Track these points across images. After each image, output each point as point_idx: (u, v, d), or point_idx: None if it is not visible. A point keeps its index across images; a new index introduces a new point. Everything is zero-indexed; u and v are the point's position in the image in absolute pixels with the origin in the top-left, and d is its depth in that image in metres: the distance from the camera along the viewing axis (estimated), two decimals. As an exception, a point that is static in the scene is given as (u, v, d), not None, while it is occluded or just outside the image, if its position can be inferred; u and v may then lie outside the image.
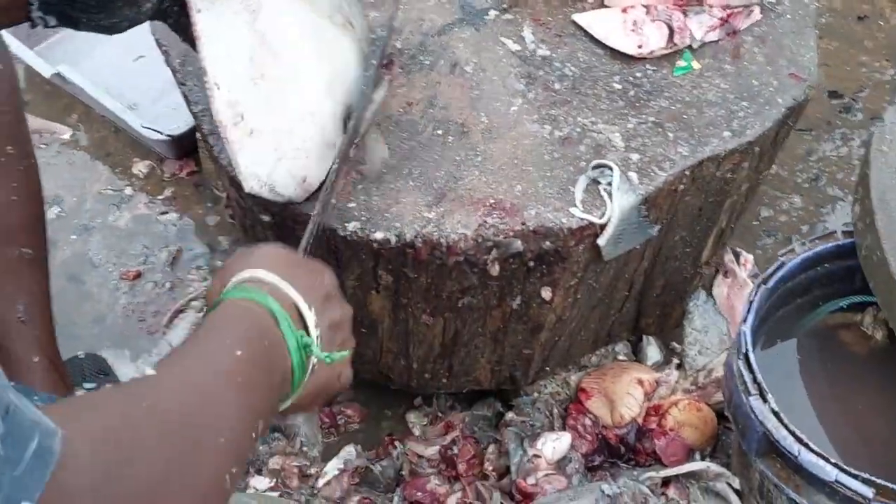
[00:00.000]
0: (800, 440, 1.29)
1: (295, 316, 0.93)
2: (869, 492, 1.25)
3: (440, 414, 1.74)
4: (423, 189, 1.38)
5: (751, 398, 1.33)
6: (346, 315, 1.04)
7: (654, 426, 1.64)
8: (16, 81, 1.42)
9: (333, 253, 1.39)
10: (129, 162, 2.15)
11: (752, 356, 1.35)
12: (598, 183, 1.38)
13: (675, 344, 1.80)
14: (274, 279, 0.93)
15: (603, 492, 1.54)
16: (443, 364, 1.60)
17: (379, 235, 1.34)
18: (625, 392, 1.64)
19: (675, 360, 1.74)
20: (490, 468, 1.65)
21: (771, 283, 1.45)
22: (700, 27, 1.54)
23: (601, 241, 1.37)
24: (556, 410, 1.69)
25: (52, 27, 1.07)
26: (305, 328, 0.94)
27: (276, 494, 1.61)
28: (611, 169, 1.38)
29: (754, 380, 1.34)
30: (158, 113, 2.15)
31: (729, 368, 1.41)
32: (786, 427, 1.30)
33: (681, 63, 1.53)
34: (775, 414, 1.32)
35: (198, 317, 1.87)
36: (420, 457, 1.68)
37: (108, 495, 0.65)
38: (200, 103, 1.49)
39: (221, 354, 0.85)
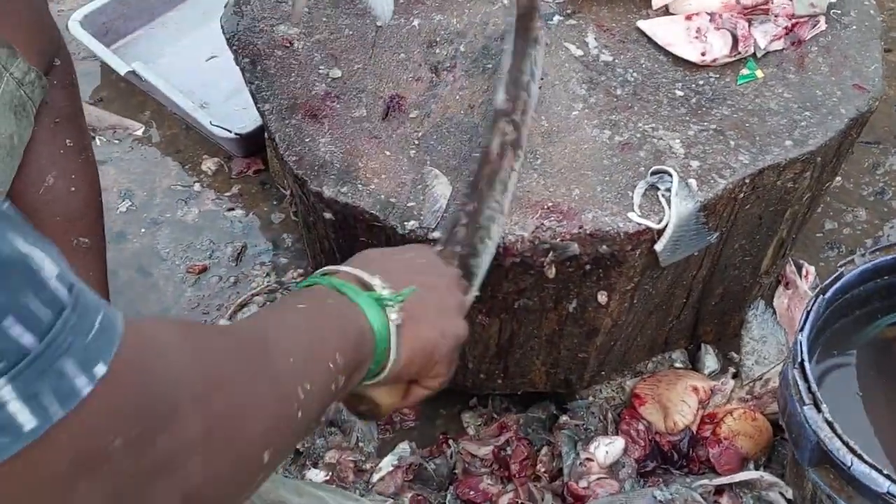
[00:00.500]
0: (853, 451, 1.28)
1: (358, 286, 0.96)
2: (921, 505, 1.24)
3: (495, 415, 1.75)
4: (483, 190, 1.39)
5: (805, 408, 1.33)
6: (442, 279, 1.08)
7: (708, 434, 1.64)
8: (75, 77, 1.46)
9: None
10: (198, 159, 2.20)
11: (807, 365, 1.35)
12: (657, 189, 1.39)
13: (733, 353, 1.80)
14: (343, 267, 0.98)
15: (655, 497, 1.54)
16: (498, 365, 1.62)
17: (437, 235, 1.36)
18: (679, 399, 1.65)
19: (732, 369, 1.74)
20: (542, 470, 1.66)
21: (829, 293, 1.44)
22: (764, 36, 1.54)
23: (658, 247, 1.38)
24: (610, 415, 1.69)
25: None
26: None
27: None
28: (670, 175, 1.39)
29: (809, 389, 1.33)
30: (228, 112, 2.19)
31: (784, 377, 1.41)
32: (839, 437, 1.30)
33: (745, 71, 1.53)
34: (829, 424, 1.31)
35: (260, 311, 1.90)
36: (473, 456, 1.69)
37: (183, 382, 0.69)
38: (268, 102, 1.52)
39: (286, 309, 0.96)
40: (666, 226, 1.36)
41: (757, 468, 1.63)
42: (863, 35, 1.59)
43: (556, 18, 1.60)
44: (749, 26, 1.54)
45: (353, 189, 1.40)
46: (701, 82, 1.52)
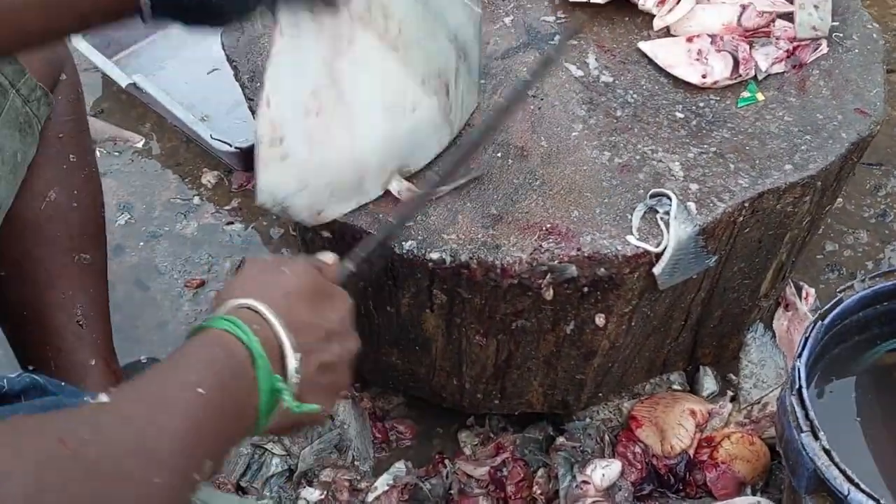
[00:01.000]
0: (850, 479, 1.27)
1: (276, 357, 0.89)
2: (919, 535, 1.23)
3: (492, 434, 1.74)
4: (481, 210, 1.39)
5: (802, 435, 1.32)
6: (345, 353, 0.98)
7: (705, 458, 1.63)
8: (80, 92, 1.46)
9: (389, 270, 1.41)
10: (198, 172, 2.20)
11: (805, 392, 1.34)
12: (656, 212, 1.38)
13: (731, 375, 1.79)
14: (267, 312, 0.89)
15: (651, 521, 1.53)
16: (495, 385, 1.61)
17: (434, 255, 1.35)
18: (676, 422, 1.64)
19: (730, 393, 1.73)
20: (539, 492, 1.65)
21: (828, 319, 1.43)
22: (766, 59, 1.54)
23: (656, 270, 1.37)
24: (607, 437, 1.69)
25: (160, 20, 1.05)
26: (285, 368, 0.90)
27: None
28: (669, 198, 1.38)
29: (806, 416, 1.33)
30: (229, 125, 2.19)
31: (782, 403, 1.40)
32: (836, 466, 1.29)
33: (745, 94, 1.52)
34: (826, 452, 1.30)
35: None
36: (469, 476, 1.68)
37: None
38: (267, 119, 1.51)
39: (182, 391, 0.81)
40: (664, 249, 1.36)
41: (754, 493, 1.62)
42: (865, 58, 1.59)
43: (558, 38, 1.60)
44: (750, 49, 1.54)
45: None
46: (701, 104, 1.52)
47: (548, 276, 1.36)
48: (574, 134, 1.48)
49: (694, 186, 1.41)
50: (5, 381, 0.90)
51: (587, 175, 1.43)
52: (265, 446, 1.67)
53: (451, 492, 1.68)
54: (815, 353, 1.43)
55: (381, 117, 1.28)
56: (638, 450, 1.64)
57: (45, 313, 1.41)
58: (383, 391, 1.79)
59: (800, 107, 1.52)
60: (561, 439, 1.68)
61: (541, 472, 1.67)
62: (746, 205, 1.41)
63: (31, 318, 1.41)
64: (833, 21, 1.60)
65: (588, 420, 1.72)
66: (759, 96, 1.52)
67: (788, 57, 1.55)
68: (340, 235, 1.41)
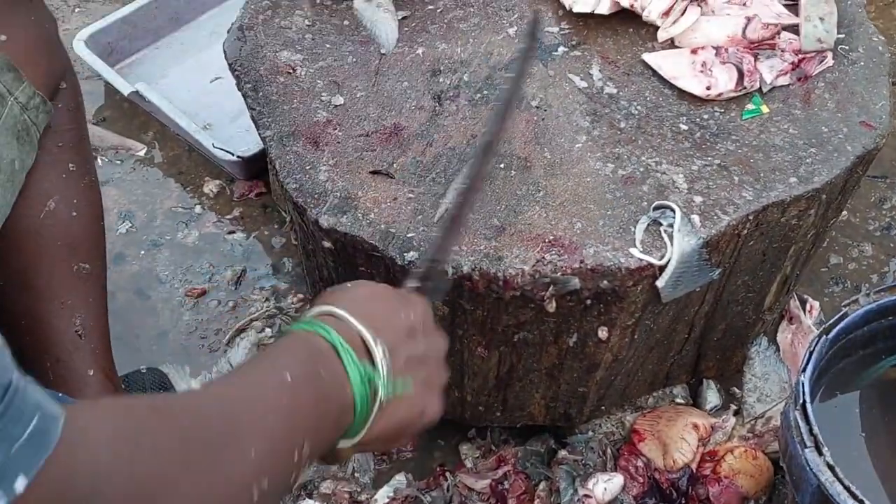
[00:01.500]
0: (854, 496, 1.26)
1: (361, 349, 0.92)
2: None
3: (493, 447, 1.73)
4: (483, 222, 1.38)
5: (806, 450, 1.31)
6: (434, 349, 1.02)
7: (708, 472, 1.62)
8: (80, 100, 1.45)
9: (391, 282, 1.40)
10: (200, 181, 2.19)
11: (809, 407, 1.33)
12: (660, 224, 1.37)
13: (735, 388, 1.78)
14: (344, 314, 0.93)
15: (653, 536, 1.52)
16: (497, 397, 1.60)
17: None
18: (678, 436, 1.62)
19: (733, 407, 1.72)
20: (540, 505, 1.64)
21: (832, 333, 1.42)
22: (770, 71, 1.53)
23: (660, 283, 1.36)
24: (609, 450, 1.67)
25: None
26: (373, 360, 0.92)
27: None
28: (672, 210, 1.37)
29: (810, 432, 1.31)
30: (231, 134, 2.18)
31: (786, 419, 1.39)
32: (840, 482, 1.28)
33: (750, 106, 1.51)
34: (830, 468, 1.29)
35: (259, 336, 1.89)
36: (470, 489, 1.67)
37: (111, 484, 0.66)
38: (269, 128, 1.51)
39: (269, 375, 0.86)
40: (668, 262, 1.35)
41: (757, 508, 1.61)
42: (870, 71, 1.58)
43: (561, 49, 1.59)
44: (755, 61, 1.53)
45: (352, 218, 1.39)
46: (705, 116, 1.51)
47: (550, 289, 1.35)
48: (577, 145, 1.47)
49: (698, 199, 1.40)
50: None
51: (590, 187, 1.42)
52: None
53: (452, 504, 1.67)
54: (820, 367, 1.42)
55: None
56: (640, 464, 1.63)
57: (44, 323, 1.40)
58: (384, 402, 1.77)
59: (805, 119, 1.51)
60: (563, 452, 1.67)
61: (542, 485, 1.66)
62: (751, 218, 1.40)
63: (29, 328, 1.40)
64: (839, 33, 1.59)
65: (590, 433, 1.70)
66: (764, 109, 1.51)
67: (793, 69, 1.54)
68: (342, 245, 1.41)
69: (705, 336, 1.63)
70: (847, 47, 1.60)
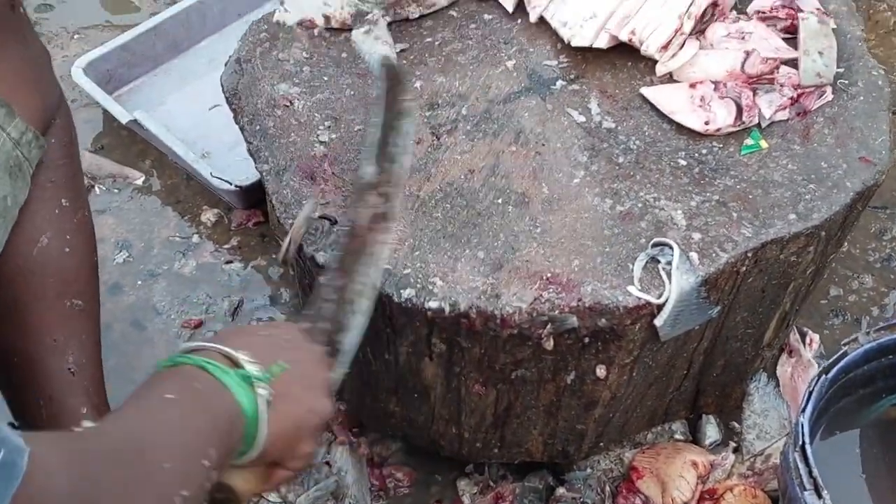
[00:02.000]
0: (855, 539, 1.25)
1: (226, 362, 0.98)
2: None
3: (491, 483, 1.72)
4: (481, 258, 1.37)
5: (806, 493, 1.30)
6: (308, 357, 1.09)
7: (707, 509, 1.61)
8: (74, 134, 1.44)
9: (388, 318, 1.39)
10: (198, 210, 2.18)
11: (808, 449, 1.32)
12: (658, 261, 1.36)
13: (734, 423, 1.77)
14: (199, 344, 1.00)
15: (651, 574, 1.50)
16: (494, 434, 1.59)
17: (433, 304, 1.34)
18: (677, 474, 1.61)
19: (733, 444, 1.70)
20: (537, 542, 1.62)
21: (832, 373, 1.41)
22: (769, 106, 1.52)
23: (658, 322, 1.35)
24: (608, 488, 1.66)
25: None
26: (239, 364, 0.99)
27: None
28: (671, 248, 1.36)
29: (810, 474, 1.30)
30: (230, 162, 2.17)
31: (785, 459, 1.38)
32: (840, 525, 1.27)
33: (748, 141, 1.51)
34: (830, 511, 1.28)
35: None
36: (467, 525, 1.66)
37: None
38: (266, 162, 1.50)
39: (152, 399, 0.93)
40: (666, 300, 1.34)
41: (757, 546, 1.59)
42: (870, 106, 1.57)
43: (559, 84, 1.58)
44: (754, 96, 1.52)
45: (348, 255, 1.38)
46: (704, 151, 1.50)
47: (548, 327, 1.34)
48: (576, 180, 1.46)
49: (696, 236, 1.39)
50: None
51: (588, 223, 1.41)
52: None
53: (449, 541, 1.65)
54: (820, 406, 1.41)
55: None
56: (638, 501, 1.62)
57: (36, 360, 1.38)
58: (381, 437, 1.76)
59: (804, 155, 1.50)
60: (561, 490, 1.66)
61: (540, 522, 1.64)
62: (749, 255, 1.39)
63: (21, 365, 1.39)
64: (838, 67, 1.59)
65: (589, 470, 1.69)
66: (763, 144, 1.51)
67: (792, 104, 1.53)
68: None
69: (704, 372, 1.62)
70: (846, 81, 1.59)
